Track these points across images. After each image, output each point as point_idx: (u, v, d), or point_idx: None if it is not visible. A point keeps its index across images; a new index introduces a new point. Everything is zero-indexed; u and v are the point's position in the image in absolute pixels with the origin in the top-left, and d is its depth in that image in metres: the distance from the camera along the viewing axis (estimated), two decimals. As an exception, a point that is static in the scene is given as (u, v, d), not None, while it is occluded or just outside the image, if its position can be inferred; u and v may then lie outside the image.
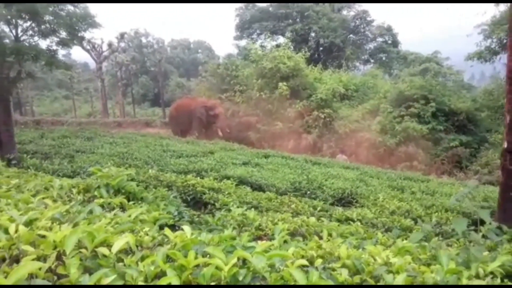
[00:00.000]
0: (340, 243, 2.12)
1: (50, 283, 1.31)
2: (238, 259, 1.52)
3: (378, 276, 1.67)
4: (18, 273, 1.23)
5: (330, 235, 2.73)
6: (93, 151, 9.31)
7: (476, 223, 2.93)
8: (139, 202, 2.98)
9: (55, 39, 10.58)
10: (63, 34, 10.58)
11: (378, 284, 1.63)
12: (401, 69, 33.89)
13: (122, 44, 38.28)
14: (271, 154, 11.70)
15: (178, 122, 20.08)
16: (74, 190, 2.81)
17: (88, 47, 29.46)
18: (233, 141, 16.49)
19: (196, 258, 1.47)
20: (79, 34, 10.99)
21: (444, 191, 7.63)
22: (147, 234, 1.79)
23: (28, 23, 10.29)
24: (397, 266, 1.75)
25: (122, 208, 2.58)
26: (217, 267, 1.42)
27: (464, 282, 1.68)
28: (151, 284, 1.37)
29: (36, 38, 10.49)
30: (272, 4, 35.05)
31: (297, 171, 8.60)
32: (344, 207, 5.95)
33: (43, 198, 2.32)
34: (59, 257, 1.44)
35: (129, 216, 2.13)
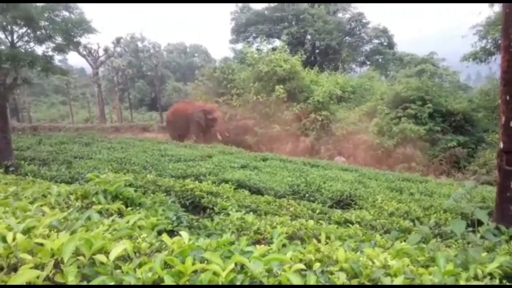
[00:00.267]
0: (339, 246, 2.13)
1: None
2: (236, 264, 1.52)
3: (376, 279, 1.67)
4: (16, 282, 1.23)
5: (328, 238, 2.73)
6: (90, 157, 9.29)
7: (474, 224, 2.94)
8: (137, 207, 2.97)
9: (51, 44, 10.56)
10: (59, 39, 10.57)
11: (374, 284, 1.64)
12: (397, 70, 34.01)
13: (118, 49, 38.29)
14: (269, 157, 11.72)
15: (175, 126, 20.07)
16: (72, 197, 2.80)
17: (84, 53, 29.44)
18: (231, 145, 16.50)
19: (193, 264, 1.47)
20: (75, 40, 10.97)
21: (443, 192, 7.65)
22: (145, 241, 1.79)
23: (24, 29, 10.27)
24: (395, 268, 1.76)
25: (120, 214, 2.58)
26: (214, 273, 1.42)
27: (463, 283, 1.69)
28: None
29: (32, 44, 10.47)
30: (268, 7, 35.18)
31: (295, 173, 8.61)
32: (342, 209, 5.96)
33: (41, 205, 2.32)
34: (56, 265, 1.44)
35: (127, 222, 2.13)
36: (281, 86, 20.07)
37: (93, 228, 1.92)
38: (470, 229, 2.93)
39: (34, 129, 21.91)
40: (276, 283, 1.45)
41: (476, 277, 1.83)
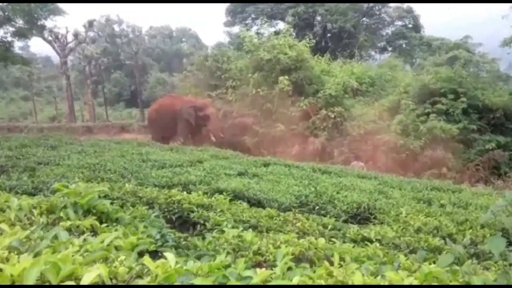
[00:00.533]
0: (355, 270, 2.13)
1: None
2: (233, 292, 1.52)
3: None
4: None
5: (342, 259, 2.73)
6: (58, 163, 9.26)
7: (517, 242, 2.95)
8: (114, 224, 2.98)
9: (10, 28, 10.59)
10: (20, 22, 10.59)
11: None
12: (424, 57, 34.11)
13: (91, 34, 38.38)
14: (271, 162, 11.70)
15: (160, 125, 20.09)
16: (36, 211, 2.80)
17: (50, 38, 29.50)
18: (226, 147, 16.50)
19: (182, 292, 1.47)
20: (39, 23, 11.02)
21: (480, 203, 7.64)
22: (123, 264, 1.79)
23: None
24: (423, 296, 1.76)
25: (94, 232, 2.58)
26: (207, 303, 1.43)
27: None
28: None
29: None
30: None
31: (303, 182, 8.60)
32: (360, 224, 5.95)
33: (-2, 222, 2.32)
34: (17, 294, 1.44)
35: (102, 242, 2.13)
36: (286, 77, 20.07)
37: (61, 249, 1.92)
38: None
39: (-10, 130, 21.93)
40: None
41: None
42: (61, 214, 2.79)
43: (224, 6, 36.67)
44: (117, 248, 2.17)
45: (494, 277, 2.42)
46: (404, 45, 38.10)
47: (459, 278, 2.35)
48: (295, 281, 1.78)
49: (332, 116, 19.25)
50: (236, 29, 36.03)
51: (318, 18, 34.76)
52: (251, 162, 11.38)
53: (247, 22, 36.06)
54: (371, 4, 36.88)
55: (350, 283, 1.89)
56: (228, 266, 1.94)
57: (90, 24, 34.33)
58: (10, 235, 1.97)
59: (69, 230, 2.47)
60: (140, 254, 2.16)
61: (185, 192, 5.68)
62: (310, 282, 1.85)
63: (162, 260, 1.79)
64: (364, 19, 37.08)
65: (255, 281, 1.63)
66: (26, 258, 1.64)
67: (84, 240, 2.15)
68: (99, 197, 3.09)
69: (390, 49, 39.04)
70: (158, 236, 2.97)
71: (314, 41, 24.01)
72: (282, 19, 33.08)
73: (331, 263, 2.41)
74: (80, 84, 42.49)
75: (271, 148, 19.09)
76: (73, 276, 1.56)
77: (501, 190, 12.01)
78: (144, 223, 3.26)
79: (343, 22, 33.22)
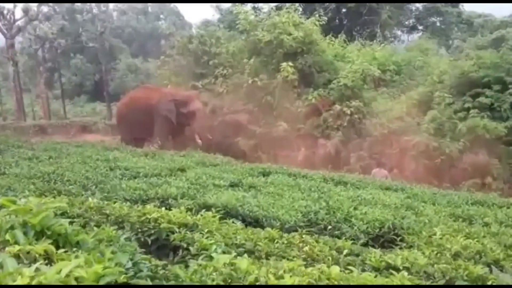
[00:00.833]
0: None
1: None
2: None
3: None
4: None
5: (362, 293, 2.74)
6: (3, 172, 9.26)
7: None
8: (74, 249, 2.96)
9: None
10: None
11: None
12: (463, 39, 34.23)
13: (45, 9, 38.36)
14: (272, 170, 11.71)
15: (131, 124, 20.06)
16: (-25, 234, 2.80)
17: (-7, 15, 29.49)
18: (215, 152, 16.50)
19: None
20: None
21: (533, 222, 7.66)
22: (86, 300, 1.79)
23: None
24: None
25: (48, 259, 2.57)
26: None
27: None
28: None
29: None
30: None
31: (311, 195, 8.60)
32: (383, 248, 5.96)
33: None
34: None
35: (58, 272, 2.13)
36: (290, 64, 20.10)
37: (8, 280, 1.92)
38: None
39: None
40: None
41: None
42: (7, 237, 2.78)
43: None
44: (77, 280, 2.16)
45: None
46: (438, 23, 38.21)
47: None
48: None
49: (348, 112, 19.27)
50: (227, 3, 36.13)
51: (331, -11, 34.86)
52: (247, 170, 11.39)
53: (241, -6, 36.16)
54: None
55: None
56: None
57: (44, -3, 34.37)
58: None
59: (17, 257, 2.46)
60: None
61: (163, 208, 5.67)
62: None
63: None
64: (389, -10, 37.20)
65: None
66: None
67: (37, 269, 2.14)
68: (56, 215, 3.08)
69: (420, 28, 39.12)
70: (129, 264, 2.96)
71: (325, 18, 24.04)
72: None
73: (348, 298, 2.42)
74: (31, 72, 42.47)
75: (272, 152, 19.10)
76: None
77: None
78: (112, 247, 3.25)
79: (361, -6, 33.34)
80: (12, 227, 2.87)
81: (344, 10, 35.73)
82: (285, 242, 5.00)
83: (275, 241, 5.02)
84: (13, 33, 31.38)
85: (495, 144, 16.30)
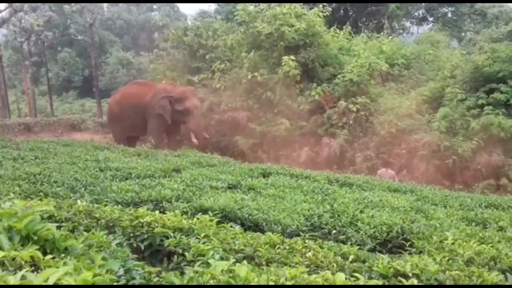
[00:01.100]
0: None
1: None
2: None
3: None
4: None
5: (369, 302, 2.72)
6: (-14, 173, 9.26)
7: None
8: (62, 255, 2.95)
9: None
10: None
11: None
12: (477, 31, 34.18)
13: (31, -1, 38.29)
14: (273, 171, 11.71)
15: (123, 122, 20.06)
16: (-45, 239, 2.78)
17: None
18: (212, 151, 16.50)
19: None
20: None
21: (552, 226, 7.66)
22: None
23: None
24: None
25: (35, 266, 2.56)
26: None
27: None
28: None
29: None
30: None
31: (315, 197, 8.61)
32: (391, 254, 5.95)
33: None
34: None
35: (46, 280, 2.11)
36: (292, 57, 20.08)
37: (-10, 290, 1.90)
38: None
39: None
40: None
41: None
42: (-9, 242, 2.77)
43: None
44: (65, 288, 2.15)
45: None
46: (449, 14, 38.18)
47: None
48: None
49: (354, 109, 19.25)
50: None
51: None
52: (246, 171, 11.38)
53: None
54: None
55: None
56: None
57: (30, -13, 34.36)
58: None
59: (1, 264, 2.45)
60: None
61: (157, 212, 5.66)
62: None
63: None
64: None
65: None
66: None
67: (23, 277, 2.13)
68: (42, 219, 3.06)
69: (431, 19, 39.07)
70: (121, 271, 2.96)
71: (329, 9, 24.05)
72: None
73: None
74: (15, 66, 42.52)
75: (273, 152, 19.12)
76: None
77: None
78: (102, 253, 3.24)
79: (368, -17, 33.35)
80: (-5, 232, 2.86)
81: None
82: (287, 247, 4.99)
83: (276, 246, 5.01)
84: (-3, 26, 31.39)
85: (510, 143, 16.30)
